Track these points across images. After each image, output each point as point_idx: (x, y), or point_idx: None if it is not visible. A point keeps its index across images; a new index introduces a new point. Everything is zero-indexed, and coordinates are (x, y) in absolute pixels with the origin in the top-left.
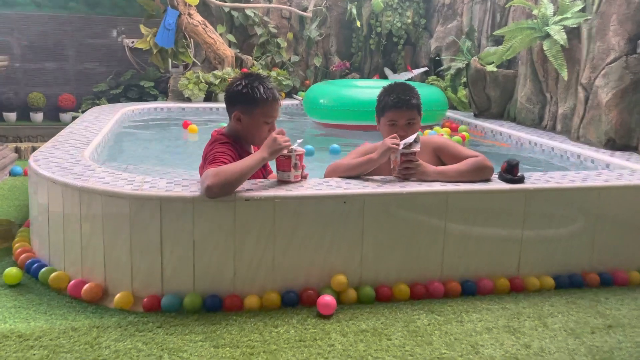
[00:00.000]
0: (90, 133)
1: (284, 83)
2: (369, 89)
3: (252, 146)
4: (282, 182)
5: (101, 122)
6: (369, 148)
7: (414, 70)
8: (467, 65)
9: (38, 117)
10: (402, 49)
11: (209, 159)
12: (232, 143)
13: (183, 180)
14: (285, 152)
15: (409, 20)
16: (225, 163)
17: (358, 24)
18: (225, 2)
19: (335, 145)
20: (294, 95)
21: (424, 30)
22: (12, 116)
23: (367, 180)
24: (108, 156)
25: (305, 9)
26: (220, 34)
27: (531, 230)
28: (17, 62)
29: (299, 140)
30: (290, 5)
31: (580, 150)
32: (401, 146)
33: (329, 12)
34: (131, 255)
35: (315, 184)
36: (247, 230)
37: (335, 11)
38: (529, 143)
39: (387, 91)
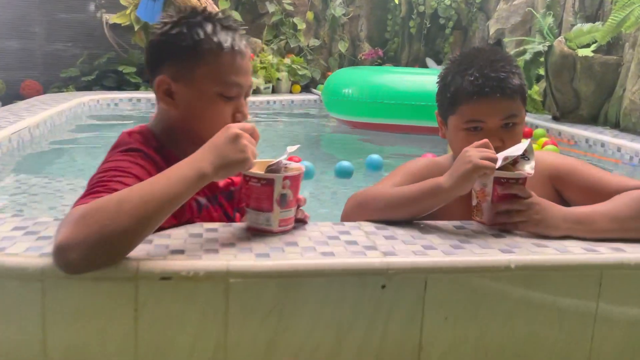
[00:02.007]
0: None
1: (300, 73)
2: (411, 75)
3: None
4: (253, 233)
5: (31, 114)
6: (428, 167)
7: None
8: (549, 48)
9: None
10: (450, 34)
11: (88, 186)
12: (155, 152)
13: (53, 222)
14: (253, 167)
15: None
16: None
17: (396, 1)
18: None
19: (375, 156)
20: (313, 90)
21: (478, 10)
22: None
23: (429, 230)
24: (14, 164)
25: None
26: (223, 11)
27: None
28: None
29: (292, 148)
30: None
31: None
32: (499, 164)
33: None
34: None
35: (322, 239)
36: (165, 344)
37: None
38: None
39: (459, 65)
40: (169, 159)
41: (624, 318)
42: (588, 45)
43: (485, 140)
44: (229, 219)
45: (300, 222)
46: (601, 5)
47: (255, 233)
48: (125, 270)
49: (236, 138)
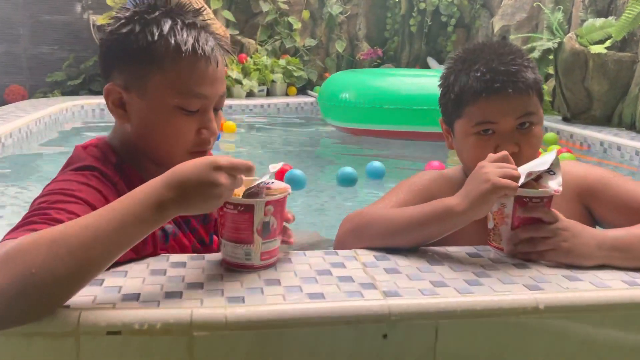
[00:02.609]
0: None
1: (296, 74)
2: (411, 78)
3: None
4: (227, 268)
5: (6, 122)
6: (436, 181)
7: None
8: (559, 45)
9: None
10: (452, 32)
11: (26, 214)
12: (113, 171)
13: None
14: (235, 193)
15: None
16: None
17: None
18: None
19: (377, 164)
20: (309, 92)
21: (482, 7)
22: None
23: (438, 260)
24: None
25: None
26: (215, 11)
27: None
28: None
29: (276, 166)
30: None
31: None
32: (522, 181)
33: None
34: None
35: (312, 276)
36: None
37: None
38: None
39: (463, 62)
40: (131, 179)
41: None
42: (601, 42)
43: (505, 152)
44: (205, 246)
45: (284, 243)
46: None
47: (230, 268)
48: (63, 322)
49: (213, 186)
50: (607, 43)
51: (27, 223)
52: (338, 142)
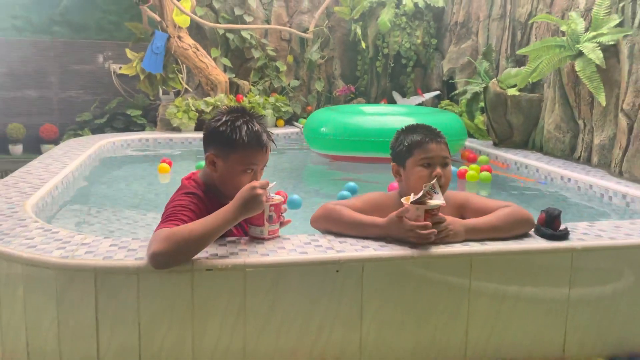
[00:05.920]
0: (48, 173)
1: (283, 110)
2: (375, 116)
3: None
4: (254, 240)
5: (69, 158)
6: (381, 199)
7: (424, 95)
8: (485, 88)
9: (17, 149)
10: (411, 72)
11: (164, 216)
12: (202, 194)
13: (132, 241)
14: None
15: (419, 41)
16: (185, 222)
17: (363, 45)
18: (219, 23)
19: (352, 184)
20: (295, 123)
21: (435, 51)
22: None
23: (367, 238)
24: (67, 202)
25: (305, 30)
26: (215, 58)
27: (579, 300)
28: None
29: (272, 184)
30: (289, 27)
31: (627, 189)
32: (412, 199)
33: (332, 33)
34: (59, 340)
35: (300, 244)
36: (209, 309)
37: (338, 32)
38: (561, 178)
39: (406, 131)
40: (211, 199)
41: (491, 303)
42: (515, 86)
43: (407, 207)
44: (246, 233)
45: (284, 225)
46: None
47: (255, 239)
48: (186, 266)
49: (258, 198)
50: (517, 88)
51: (168, 220)
52: (319, 168)
